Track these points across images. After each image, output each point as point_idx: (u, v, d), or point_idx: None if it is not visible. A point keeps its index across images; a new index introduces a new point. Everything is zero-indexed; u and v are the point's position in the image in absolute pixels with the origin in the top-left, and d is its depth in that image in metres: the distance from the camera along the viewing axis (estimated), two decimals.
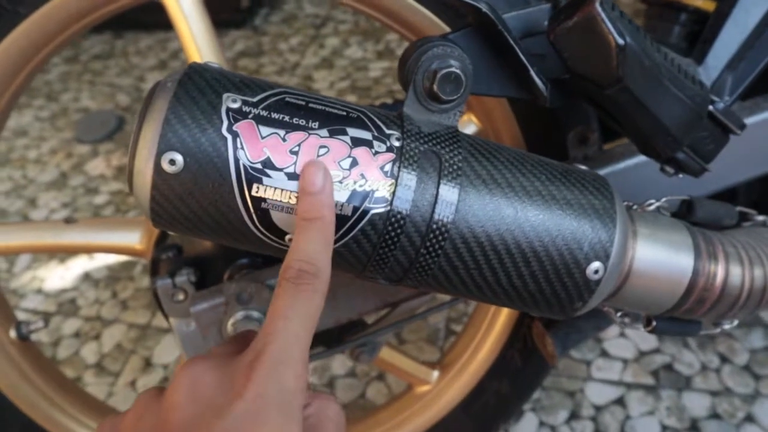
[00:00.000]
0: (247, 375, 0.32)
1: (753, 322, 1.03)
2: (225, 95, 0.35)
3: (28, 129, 1.74)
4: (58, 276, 1.29)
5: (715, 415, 0.93)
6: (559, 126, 0.60)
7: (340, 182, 0.35)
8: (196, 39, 0.58)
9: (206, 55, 0.58)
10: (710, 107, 0.42)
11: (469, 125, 0.64)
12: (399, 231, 0.36)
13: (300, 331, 0.33)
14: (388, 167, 0.35)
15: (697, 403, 0.94)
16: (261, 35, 2.01)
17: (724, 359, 0.99)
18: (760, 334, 1.02)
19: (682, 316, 0.46)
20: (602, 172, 0.55)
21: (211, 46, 0.58)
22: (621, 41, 0.36)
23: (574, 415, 0.95)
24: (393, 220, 0.35)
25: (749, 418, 0.91)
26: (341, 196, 0.35)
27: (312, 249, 0.34)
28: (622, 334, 1.05)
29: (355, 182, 0.35)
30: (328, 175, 0.35)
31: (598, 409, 0.95)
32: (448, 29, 0.56)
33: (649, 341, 1.03)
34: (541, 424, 0.95)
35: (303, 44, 1.94)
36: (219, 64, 0.59)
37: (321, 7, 2.10)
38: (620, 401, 0.96)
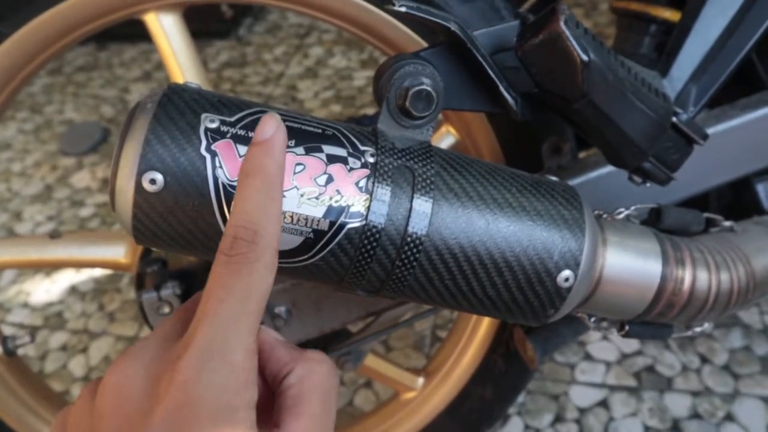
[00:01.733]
0: (170, 375, 0.27)
1: (732, 323, 1.05)
2: (203, 115, 0.36)
3: (12, 142, 1.74)
4: (44, 290, 1.29)
5: (696, 415, 0.94)
6: (535, 137, 0.61)
7: (317, 198, 0.36)
8: (177, 55, 0.59)
9: (187, 71, 0.59)
10: (674, 118, 0.44)
11: (447, 137, 0.66)
12: (375, 244, 0.37)
13: (238, 314, 0.27)
14: (362, 183, 0.36)
15: (678, 404, 0.96)
16: (245, 45, 2.02)
17: (704, 360, 1.01)
18: (738, 335, 1.04)
19: (653, 320, 0.47)
20: (575, 181, 0.56)
21: (191, 63, 0.59)
22: (585, 57, 0.38)
23: (558, 418, 0.96)
24: (368, 233, 0.36)
25: (729, 417, 0.93)
26: (318, 211, 0.36)
27: (249, 209, 0.29)
28: (605, 338, 1.06)
29: (330, 198, 0.36)
30: (281, 128, 0.31)
31: (582, 411, 0.97)
32: (424, 44, 0.57)
33: (631, 344, 1.05)
34: (527, 427, 0.96)
35: (287, 54, 1.95)
36: (199, 80, 0.60)
37: (305, 17, 2.11)
38: (604, 403, 0.97)
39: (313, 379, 0.30)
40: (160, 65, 1.98)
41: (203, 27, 1.96)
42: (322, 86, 1.78)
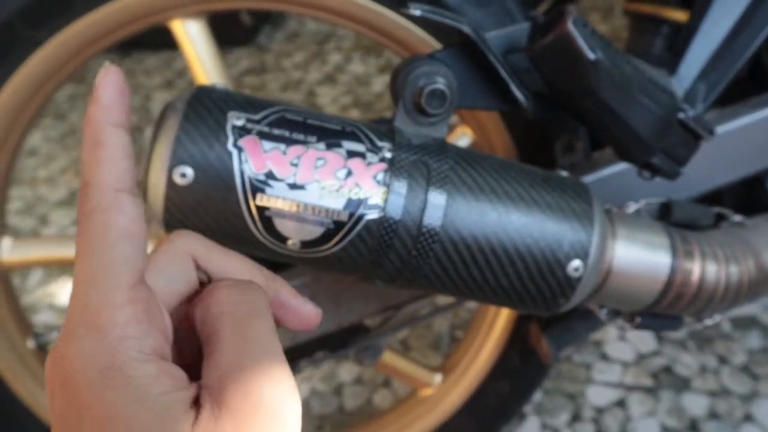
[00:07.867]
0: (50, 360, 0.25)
1: (750, 324, 1.05)
2: (230, 113, 0.38)
3: (38, 149, 1.79)
4: (70, 291, 1.33)
5: (714, 416, 0.94)
6: (548, 136, 0.63)
7: (337, 191, 0.38)
8: (203, 61, 0.61)
9: (212, 75, 0.62)
10: (681, 115, 0.45)
11: (463, 138, 0.67)
12: (392, 235, 0.39)
13: (94, 269, 0.25)
14: (380, 176, 0.38)
15: (696, 404, 0.96)
16: (265, 53, 2.06)
17: (722, 360, 1.01)
18: (757, 335, 1.04)
19: (664, 311, 0.48)
20: (588, 178, 0.58)
21: (216, 67, 0.62)
22: (593, 56, 0.40)
23: (575, 418, 0.97)
24: (386, 225, 0.38)
25: (748, 418, 0.93)
26: (338, 203, 0.38)
27: (83, 162, 0.27)
28: (622, 338, 1.07)
29: (350, 191, 0.38)
30: (110, 78, 0.26)
31: (599, 411, 0.98)
32: (438, 46, 0.59)
33: (648, 344, 1.05)
34: (544, 426, 0.97)
35: (306, 61, 1.98)
36: (224, 84, 0.62)
37: (323, 24, 2.14)
38: (621, 403, 0.98)
39: (215, 307, 0.26)
40: (182, 73, 2.02)
41: (223, 35, 1.99)
42: (341, 92, 1.81)
